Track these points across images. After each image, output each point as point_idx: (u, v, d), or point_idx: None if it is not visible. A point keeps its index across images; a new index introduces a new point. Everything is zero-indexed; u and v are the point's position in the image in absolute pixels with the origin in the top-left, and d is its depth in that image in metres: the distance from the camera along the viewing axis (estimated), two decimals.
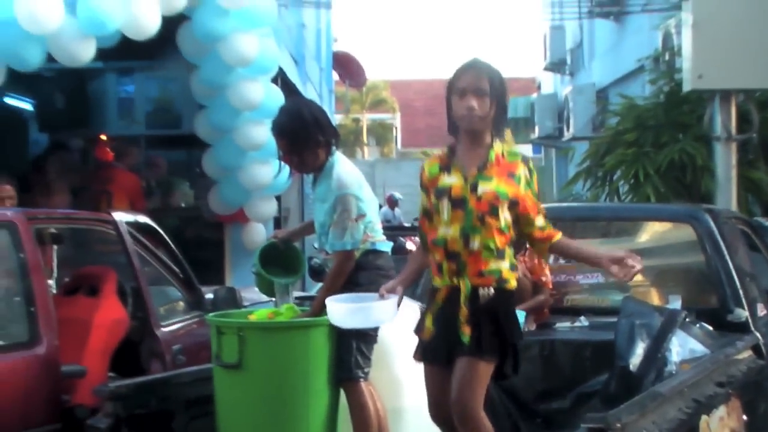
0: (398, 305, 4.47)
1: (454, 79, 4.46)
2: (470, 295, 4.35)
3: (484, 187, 4.35)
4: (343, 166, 5.02)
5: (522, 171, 4.42)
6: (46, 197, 8.44)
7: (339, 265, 4.96)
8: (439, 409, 4.45)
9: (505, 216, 4.35)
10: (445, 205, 4.40)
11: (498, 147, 4.44)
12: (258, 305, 6.46)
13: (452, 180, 4.42)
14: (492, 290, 4.35)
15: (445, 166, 4.47)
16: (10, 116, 11.77)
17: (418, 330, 4.53)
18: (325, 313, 4.60)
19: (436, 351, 4.42)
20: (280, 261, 5.36)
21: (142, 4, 7.52)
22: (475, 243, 4.33)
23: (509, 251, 4.41)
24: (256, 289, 5.50)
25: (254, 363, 4.60)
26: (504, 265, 4.38)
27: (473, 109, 4.37)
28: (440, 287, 4.44)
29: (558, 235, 4.50)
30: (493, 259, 4.35)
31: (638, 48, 15.01)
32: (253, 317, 4.98)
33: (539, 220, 4.45)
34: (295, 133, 5.01)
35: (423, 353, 4.50)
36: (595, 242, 6.68)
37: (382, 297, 4.47)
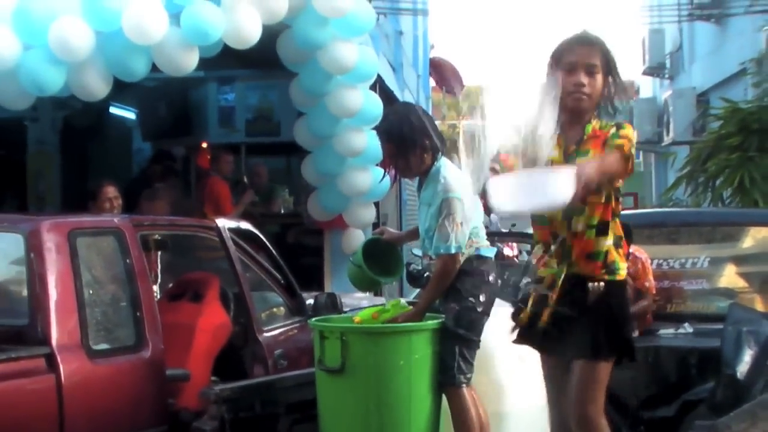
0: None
1: (562, 51, 4.20)
2: (573, 286, 4.14)
3: (581, 162, 4.04)
4: (449, 171, 5.02)
5: (611, 130, 4.12)
6: (150, 203, 8.59)
7: (443, 268, 4.95)
8: (555, 409, 4.31)
9: (605, 188, 4.10)
10: None
11: (595, 122, 4.19)
12: (358, 310, 6.51)
13: (554, 155, 4.16)
14: (602, 284, 4.12)
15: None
16: (115, 125, 12.03)
17: (515, 315, 4.34)
18: (426, 318, 4.61)
19: (552, 343, 4.23)
20: (379, 259, 5.36)
21: (244, 14, 7.62)
22: (579, 224, 4.14)
23: (613, 229, 4.17)
24: (350, 282, 5.51)
25: (357, 367, 4.63)
26: (609, 243, 4.14)
27: (582, 86, 4.13)
28: (545, 276, 4.25)
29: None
30: (599, 237, 4.13)
31: (740, 51, 14.73)
32: (357, 318, 5.01)
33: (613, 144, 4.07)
34: (403, 137, 5.04)
35: (538, 342, 4.31)
36: (700, 248, 6.59)
37: None
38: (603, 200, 4.14)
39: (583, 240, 4.16)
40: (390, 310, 5.00)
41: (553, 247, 4.20)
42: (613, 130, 4.14)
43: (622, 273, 4.21)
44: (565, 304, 4.16)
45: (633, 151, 4.12)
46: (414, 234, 5.39)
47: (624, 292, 4.26)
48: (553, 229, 4.22)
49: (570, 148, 4.20)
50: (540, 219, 4.29)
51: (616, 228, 4.22)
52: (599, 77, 4.17)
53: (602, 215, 4.15)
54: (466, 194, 4.96)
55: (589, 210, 4.13)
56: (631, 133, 4.16)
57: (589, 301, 4.13)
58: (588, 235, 4.15)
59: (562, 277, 4.16)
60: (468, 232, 4.94)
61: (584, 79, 4.13)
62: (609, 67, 4.18)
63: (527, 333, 4.31)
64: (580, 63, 4.14)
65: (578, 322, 4.14)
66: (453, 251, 4.91)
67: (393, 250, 5.49)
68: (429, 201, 5.02)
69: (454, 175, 5.01)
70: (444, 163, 5.06)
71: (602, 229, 4.15)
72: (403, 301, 5.18)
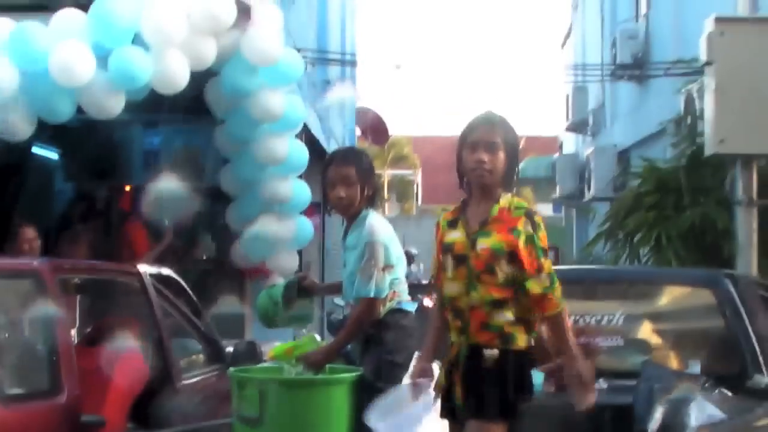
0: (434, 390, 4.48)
1: (466, 131, 4.45)
2: (471, 354, 4.32)
3: (482, 244, 4.32)
4: (376, 218, 5.10)
5: (523, 225, 4.33)
6: (70, 245, 8.51)
7: (361, 312, 4.98)
8: None
9: (504, 270, 4.29)
10: (449, 262, 4.42)
11: (505, 201, 4.39)
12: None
13: (456, 236, 4.42)
14: (496, 351, 4.29)
15: (454, 221, 4.49)
16: (37, 166, 11.90)
17: (436, 385, 4.53)
18: (338, 359, 4.65)
19: (452, 409, 4.43)
20: (292, 303, 5.40)
21: (172, 59, 7.65)
22: (475, 298, 4.31)
23: (516, 305, 4.32)
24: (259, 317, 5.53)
25: (274, 418, 4.62)
26: (507, 318, 4.30)
27: (483, 163, 4.35)
28: (454, 343, 4.45)
29: (560, 307, 4.35)
30: (494, 312, 4.30)
31: (660, 111, 15.04)
32: (271, 353, 5.02)
33: (540, 278, 4.30)
34: (367, 168, 5.18)
35: (442, 410, 4.49)
36: (615, 305, 6.69)
37: (415, 386, 4.49)
38: (499, 282, 4.30)
39: (480, 313, 4.33)
40: (303, 346, 5.01)
41: (452, 322, 4.41)
42: (528, 227, 4.33)
43: (521, 343, 4.36)
44: (466, 374, 4.35)
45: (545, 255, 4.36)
46: (334, 288, 5.43)
47: (521, 360, 4.39)
48: (455, 303, 4.38)
49: (473, 228, 4.39)
50: (443, 298, 4.49)
51: (523, 308, 4.36)
52: (501, 154, 4.38)
53: (498, 293, 4.31)
54: (391, 242, 5.03)
55: (483, 289, 4.32)
56: (544, 236, 4.38)
57: (484, 366, 4.30)
58: (484, 309, 4.32)
59: (464, 349, 4.36)
60: (390, 278, 4.99)
61: (485, 156, 4.34)
62: (507, 148, 4.39)
63: (446, 407, 4.49)
64: (481, 142, 4.37)
65: (476, 387, 4.32)
66: (372, 295, 4.94)
67: (309, 297, 5.52)
68: (354, 245, 5.07)
69: (380, 222, 5.10)
70: (372, 212, 5.14)
71: (498, 305, 4.32)
72: (318, 337, 5.20)
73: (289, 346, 5.07)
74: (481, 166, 4.37)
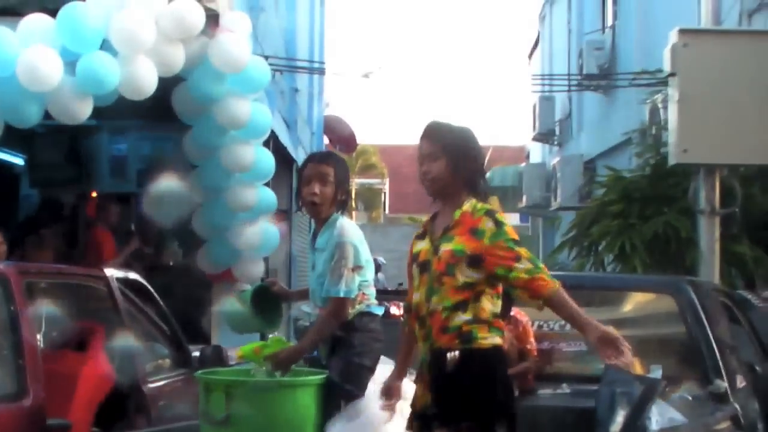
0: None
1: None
2: (434, 359, 4.31)
3: (443, 248, 4.34)
4: (346, 221, 5.15)
5: (486, 224, 4.30)
6: (36, 250, 8.49)
7: (330, 311, 5.00)
8: None
9: (465, 273, 4.28)
10: (415, 271, 4.46)
11: (468, 206, 4.39)
12: (243, 365, 6.53)
13: (422, 245, 4.47)
14: (457, 353, 4.25)
15: (422, 234, 4.54)
16: (2, 171, 11.85)
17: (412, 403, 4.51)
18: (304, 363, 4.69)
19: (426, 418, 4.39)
20: (263, 307, 5.42)
21: (140, 65, 7.66)
22: (434, 302, 4.31)
23: (474, 307, 4.29)
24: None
25: (241, 420, 4.64)
26: (465, 318, 4.27)
27: (426, 174, 4.43)
28: (421, 352, 4.45)
29: (555, 285, 4.25)
30: (453, 314, 4.28)
31: (626, 121, 15.19)
32: (239, 352, 5.04)
33: (522, 264, 4.24)
34: (343, 173, 5.22)
35: (410, 421, 4.47)
36: None
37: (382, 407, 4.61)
38: (458, 284, 4.30)
39: (439, 317, 4.31)
40: (271, 345, 5.03)
41: (417, 331, 4.42)
42: (489, 224, 4.32)
43: (482, 342, 4.28)
44: (432, 381, 4.34)
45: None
46: (303, 294, 5.46)
47: (486, 359, 4.31)
48: (419, 311, 4.41)
49: (437, 235, 4.43)
50: (407, 306, 4.54)
51: (481, 309, 4.32)
52: (441, 162, 4.42)
53: (456, 296, 4.30)
54: (361, 244, 5.07)
55: (443, 292, 4.32)
56: (510, 229, 4.36)
57: (447, 370, 4.26)
58: (443, 314, 4.31)
59: (427, 355, 4.36)
60: (359, 280, 5.02)
61: (426, 167, 4.44)
62: (449, 153, 4.42)
63: (418, 416, 4.45)
64: (423, 154, 4.46)
65: (442, 392, 4.31)
66: (342, 294, 4.96)
67: (277, 303, 5.55)
68: (323, 247, 5.09)
69: (350, 225, 5.14)
70: (342, 216, 5.18)
71: (456, 308, 4.30)
72: (284, 339, 5.22)
73: (257, 346, 5.07)
74: (425, 178, 4.45)
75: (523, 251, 4.28)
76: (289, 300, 5.83)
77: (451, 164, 4.40)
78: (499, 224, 4.31)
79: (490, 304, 4.34)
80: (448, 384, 4.28)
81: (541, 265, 4.30)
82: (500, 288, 4.39)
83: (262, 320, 5.41)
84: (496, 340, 4.33)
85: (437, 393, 4.32)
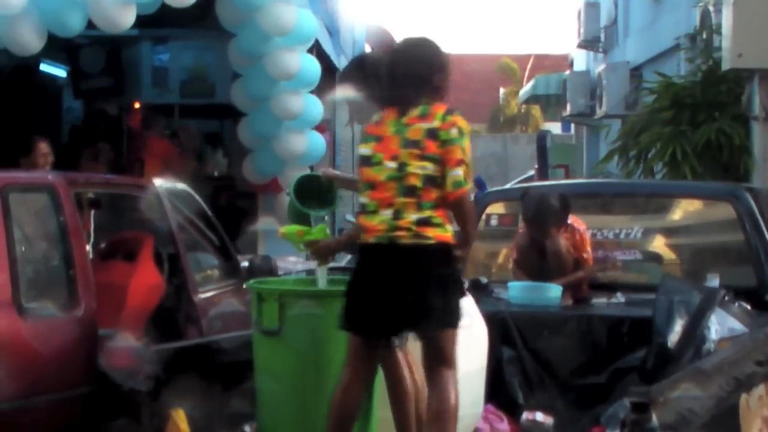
0: None
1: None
2: None
3: None
4: None
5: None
6: (93, 162, 8.48)
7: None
8: None
9: None
10: None
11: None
12: (292, 274, 6.48)
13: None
14: None
15: None
16: (45, 83, 11.82)
17: None
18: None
19: None
20: (314, 195, 5.29)
21: None
22: None
23: None
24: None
25: (294, 329, 4.61)
26: None
27: None
28: None
29: None
30: None
31: (674, 26, 14.86)
32: (282, 230, 4.96)
33: None
34: (354, 82, 5.01)
35: None
36: (633, 219, 6.67)
37: None
38: None
39: None
40: (314, 233, 4.94)
41: None
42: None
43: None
44: None
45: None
46: (354, 184, 5.35)
47: None
48: None
49: None
50: None
51: None
52: None
53: None
54: None
55: None
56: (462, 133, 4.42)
57: None
58: None
59: None
60: None
61: None
62: None
63: None
64: None
65: None
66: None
67: (330, 187, 5.40)
68: None
69: None
70: None
71: None
72: (327, 229, 5.11)
73: (300, 229, 4.96)
74: None
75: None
76: (346, 186, 5.62)
77: None
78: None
79: None
80: None
81: None
82: None
83: (310, 206, 5.27)
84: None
85: None
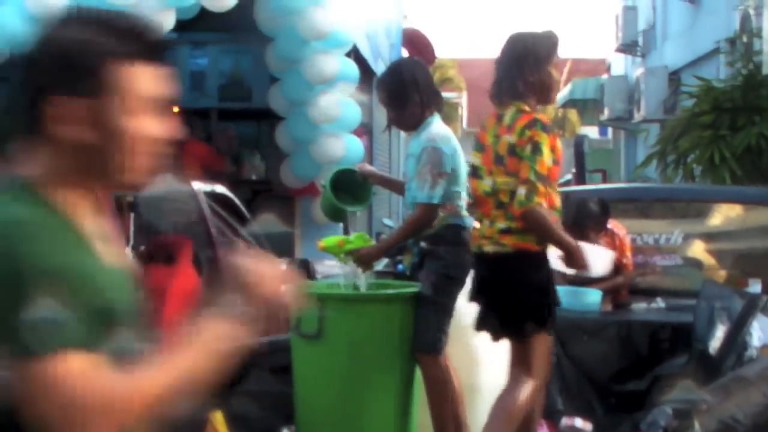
0: None
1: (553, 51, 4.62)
2: None
3: None
4: (439, 126, 5.01)
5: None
6: None
7: (415, 217, 4.87)
8: None
9: None
10: None
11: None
12: (329, 278, 6.47)
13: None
14: None
15: None
16: None
17: None
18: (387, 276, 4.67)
19: None
20: (350, 190, 5.32)
21: None
22: None
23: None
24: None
25: (333, 334, 4.60)
26: None
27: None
28: None
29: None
30: None
31: (714, 30, 14.76)
32: (322, 243, 4.97)
33: None
34: (392, 90, 5.04)
35: None
36: (673, 224, 6.61)
37: None
38: None
39: None
40: (354, 241, 4.95)
41: None
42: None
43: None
44: None
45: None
46: (396, 184, 5.41)
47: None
48: None
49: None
50: None
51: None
52: None
53: None
54: (450, 150, 4.91)
55: None
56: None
57: None
58: None
59: None
60: (450, 188, 4.85)
61: None
62: None
63: None
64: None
65: None
66: (424, 200, 4.82)
67: (365, 183, 5.42)
68: (414, 152, 4.98)
69: (443, 130, 5.00)
70: (436, 119, 5.03)
71: None
72: (366, 236, 5.12)
73: (340, 240, 4.98)
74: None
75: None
76: (383, 184, 5.64)
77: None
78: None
79: None
80: None
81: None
82: None
83: (345, 202, 5.29)
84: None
85: None
